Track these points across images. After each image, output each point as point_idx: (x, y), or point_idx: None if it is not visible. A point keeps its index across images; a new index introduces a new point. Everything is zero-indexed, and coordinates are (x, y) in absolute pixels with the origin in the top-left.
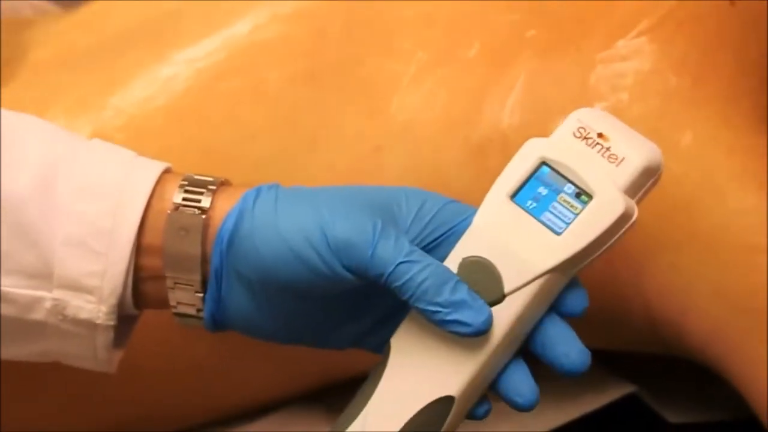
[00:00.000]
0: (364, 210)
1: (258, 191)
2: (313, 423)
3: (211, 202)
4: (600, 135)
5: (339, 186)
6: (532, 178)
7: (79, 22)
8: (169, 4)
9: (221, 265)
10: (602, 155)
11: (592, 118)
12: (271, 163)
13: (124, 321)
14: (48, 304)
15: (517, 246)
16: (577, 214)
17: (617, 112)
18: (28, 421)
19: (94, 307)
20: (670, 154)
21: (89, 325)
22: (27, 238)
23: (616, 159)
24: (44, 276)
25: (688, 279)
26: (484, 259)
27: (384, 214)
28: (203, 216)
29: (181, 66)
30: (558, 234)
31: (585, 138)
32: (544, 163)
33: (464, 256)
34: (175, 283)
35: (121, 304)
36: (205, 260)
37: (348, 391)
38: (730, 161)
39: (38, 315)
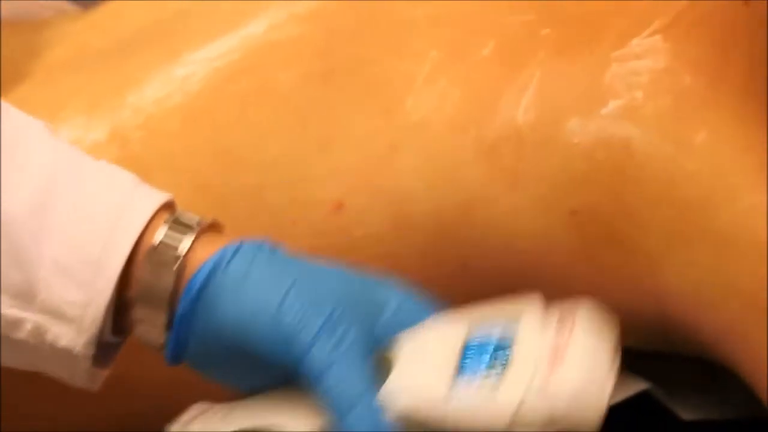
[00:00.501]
0: (328, 299)
1: (237, 249)
2: None
3: (191, 247)
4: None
5: (324, 264)
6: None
7: (94, 22)
8: (182, 5)
9: (185, 314)
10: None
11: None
12: (283, 163)
13: (108, 346)
14: (29, 326)
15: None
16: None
17: (632, 110)
18: (28, 418)
19: (73, 337)
20: (684, 152)
21: (67, 352)
22: (16, 257)
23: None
24: (28, 298)
25: (702, 276)
26: None
27: (349, 308)
28: (177, 262)
29: (195, 66)
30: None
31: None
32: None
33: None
34: (142, 319)
35: (102, 333)
36: (173, 301)
37: None
38: (744, 158)
39: (21, 334)
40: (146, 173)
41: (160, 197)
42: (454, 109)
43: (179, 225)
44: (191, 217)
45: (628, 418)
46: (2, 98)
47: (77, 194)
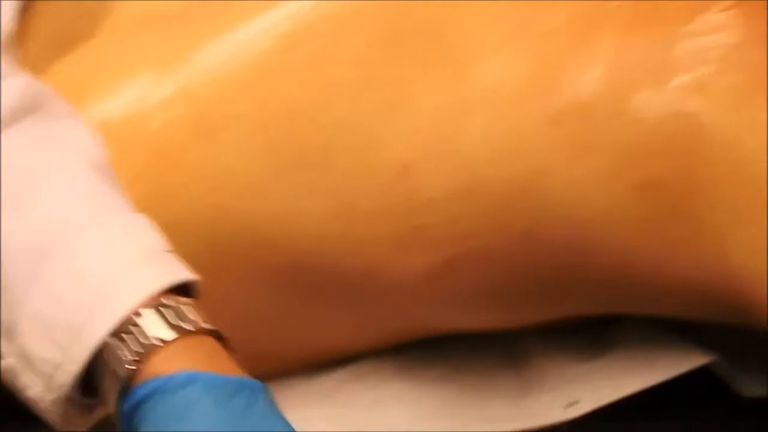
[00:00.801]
0: None
1: (186, 382)
2: (381, 379)
3: (160, 347)
4: None
5: None
6: None
7: None
8: None
9: (124, 414)
10: None
11: None
12: (351, 124)
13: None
14: (7, 361)
15: None
16: None
17: (701, 85)
18: None
19: (41, 391)
20: (752, 128)
21: (35, 402)
22: (7, 293)
23: None
24: (10, 335)
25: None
26: None
27: None
28: (135, 359)
29: (264, 25)
30: None
31: None
32: None
33: None
34: (104, 388)
35: (72, 393)
36: (125, 389)
37: (421, 348)
38: None
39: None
40: (213, 132)
41: (169, 277)
42: (523, 78)
43: (163, 318)
44: (181, 314)
45: (688, 391)
46: (66, 60)
47: (83, 249)
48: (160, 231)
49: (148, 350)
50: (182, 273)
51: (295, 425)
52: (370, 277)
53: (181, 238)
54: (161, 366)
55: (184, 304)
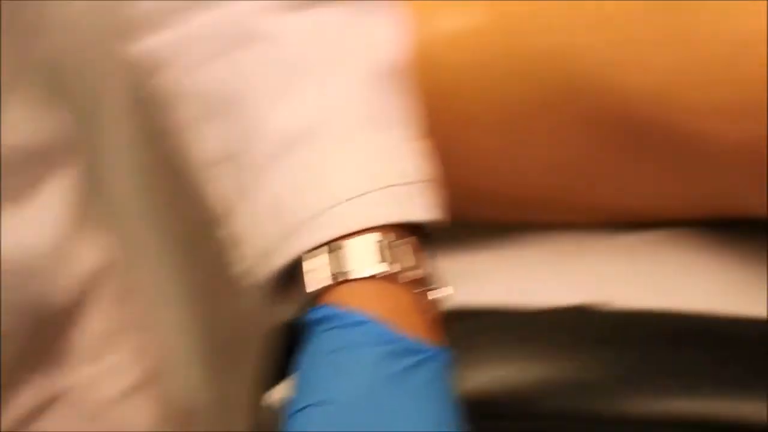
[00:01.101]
0: None
1: (361, 322)
2: (681, 250)
3: (357, 278)
4: None
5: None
6: None
7: None
8: None
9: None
10: None
11: None
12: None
13: None
14: (235, 228)
15: None
16: None
17: None
18: None
19: (250, 268)
20: None
21: (242, 276)
22: (248, 161)
23: None
24: (244, 201)
25: None
26: None
27: None
28: (332, 278)
29: None
30: None
31: None
32: None
33: None
34: (296, 288)
35: (282, 279)
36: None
37: (722, 228)
38: None
39: (226, 229)
40: None
41: (400, 214)
42: None
43: (373, 252)
44: (393, 255)
45: None
46: None
47: (333, 154)
48: (425, 157)
49: (343, 277)
50: (418, 212)
51: (588, 278)
52: (698, 144)
53: (513, 74)
54: (346, 298)
55: (402, 245)
